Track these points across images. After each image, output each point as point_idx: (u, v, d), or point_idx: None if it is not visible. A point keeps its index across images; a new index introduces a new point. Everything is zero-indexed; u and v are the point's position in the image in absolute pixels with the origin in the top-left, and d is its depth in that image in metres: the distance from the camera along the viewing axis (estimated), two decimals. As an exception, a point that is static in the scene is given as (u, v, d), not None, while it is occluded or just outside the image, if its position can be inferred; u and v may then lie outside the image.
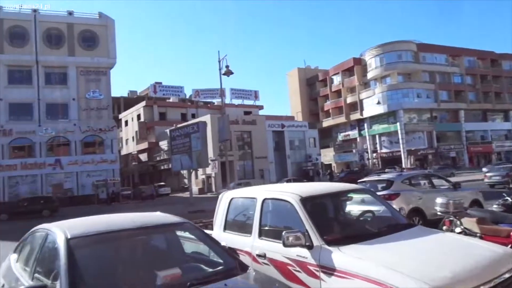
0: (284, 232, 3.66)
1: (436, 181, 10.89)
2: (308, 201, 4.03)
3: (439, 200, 5.88)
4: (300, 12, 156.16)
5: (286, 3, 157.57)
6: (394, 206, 7.91)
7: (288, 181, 36.28)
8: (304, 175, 50.03)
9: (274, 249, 3.99)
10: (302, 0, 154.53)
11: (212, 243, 3.68)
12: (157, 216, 4.01)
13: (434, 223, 6.23)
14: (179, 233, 3.94)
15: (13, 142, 37.52)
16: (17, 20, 38.85)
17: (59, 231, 3.24)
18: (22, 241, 4.30)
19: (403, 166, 49.33)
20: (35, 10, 39.55)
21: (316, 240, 3.63)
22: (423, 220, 8.86)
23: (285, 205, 4.13)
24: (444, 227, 5.68)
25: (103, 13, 42.39)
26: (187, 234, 3.92)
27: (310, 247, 3.62)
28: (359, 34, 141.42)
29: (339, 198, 4.70)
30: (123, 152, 61.32)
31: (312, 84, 73.08)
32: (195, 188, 41.93)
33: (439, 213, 5.90)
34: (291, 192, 4.20)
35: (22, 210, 26.91)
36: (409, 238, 3.73)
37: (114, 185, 39.54)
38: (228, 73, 23.43)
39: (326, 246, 3.55)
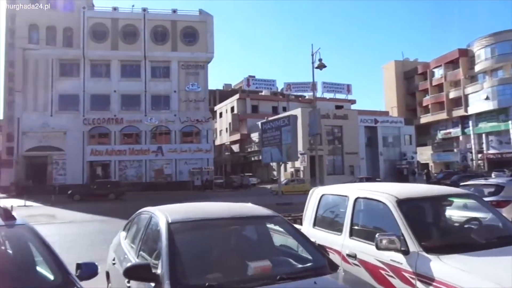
0: (378, 234, 3.50)
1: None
2: (404, 204, 3.79)
3: None
4: (398, 2, 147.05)
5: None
6: (504, 215, 7.13)
7: (361, 180, 34.67)
8: (397, 174, 47.41)
9: (366, 250, 3.85)
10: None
11: (302, 238, 3.67)
12: (249, 208, 4.13)
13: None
14: (269, 225, 4.02)
15: (123, 130, 41.84)
16: (129, 19, 43.04)
17: (162, 215, 3.52)
18: (130, 221, 4.77)
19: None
20: (144, 10, 43.38)
21: (412, 246, 3.41)
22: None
23: (379, 205, 3.95)
24: None
25: (203, 10, 44.81)
26: (277, 227, 3.98)
27: (405, 252, 3.41)
28: (464, 24, 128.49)
29: (440, 202, 4.33)
30: (217, 142, 64.38)
31: (410, 78, 68.46)
32: (283, 181, 42.42)
33: None
34: (387, 192, 3.99)
35: (92, 192, 30.17)
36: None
37: (208, 173, 41.87)
38: (321, 66, 23.11)
39: (424, 254, 3.31)
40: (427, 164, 57.38)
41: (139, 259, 3.62)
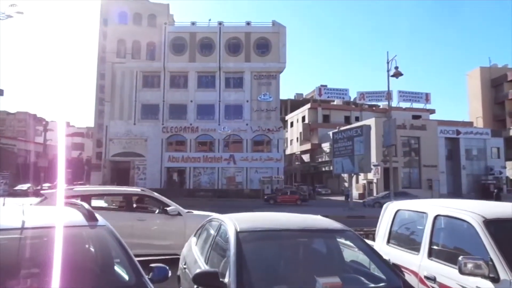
0: (461, 257, 3.18)
1: None
2: (493, 224, 3.41)
3: None
4: (483, 3, 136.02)
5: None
6: None
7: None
8: (482, 190, 43.43)
9: (446, 273, 3.52)
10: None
11: (375, 256, 3.47)
12: (319, 220, 4.01)
13: None
14: (339, 239, 3.87)
15: (198, 138, 43.73)
16: (206, 33, 45.14)
17: (230, 223, 3.55)
18: (200, 228, 4.90)
19: None
20: (220, 23, 45.22)
21: (504, 273, 3.04)
22: None
23: (463, 225, 3.61)
24: None
25: (276, 21, 45.49)
26: (347, 242, 3.82)
27: (495, 280, 3.06)
28: None
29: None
30: (288, 152, 64.39)
31: (499, 85, 62.66)
32: (355, 193, 40.98)
33: None
34: (472, 211, 3.63)
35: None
36: None
37: (278, 182, 42.00)
38: (397, 74, 22.02)
39: (518, 283, 2.94)
40: (519, 180, 51.75)
41: (208, 266, 3.68)
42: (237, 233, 3.31)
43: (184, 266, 4.57)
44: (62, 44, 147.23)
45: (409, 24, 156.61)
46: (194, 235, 5.05)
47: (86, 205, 3.32)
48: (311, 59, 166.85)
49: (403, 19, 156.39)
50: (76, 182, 46.87)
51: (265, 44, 44.73)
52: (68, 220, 3.11)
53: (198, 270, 3.27)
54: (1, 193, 24.85)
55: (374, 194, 40.83)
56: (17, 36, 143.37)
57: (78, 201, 3.64)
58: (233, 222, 3.55)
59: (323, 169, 54.31)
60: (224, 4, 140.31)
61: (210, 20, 46.28)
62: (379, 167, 35.70)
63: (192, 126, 43.44)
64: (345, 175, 38.53)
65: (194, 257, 4.33)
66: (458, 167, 47.70)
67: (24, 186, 39.23)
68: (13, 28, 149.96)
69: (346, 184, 41.86)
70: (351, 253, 3.84)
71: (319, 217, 4.19)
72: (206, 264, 3.77)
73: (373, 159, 34.85)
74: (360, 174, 36.21)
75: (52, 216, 3.36)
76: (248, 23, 45.47)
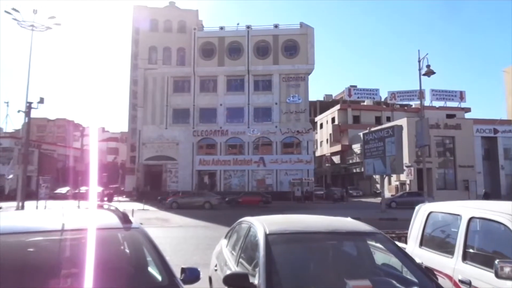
0: (498, 260, 3.10)
1: None
2: (531, 227, 3.31)
3: None
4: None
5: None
6: None
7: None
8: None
9: (482, 277, 3.44)
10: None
11: (407, 259, 3.43)
12: (349, 223, 4.00)
13: None
14: (370, 242, 3.84)
15: (228, 141, 44.13)
16: (234, 37, 45.57)
17: (260, 226, 3.60)
18: (231, 229, 4.98)
19: None
20: (248, 27, 45.53)
21: (543, 277, 2.94)
22: None
23: (499, 227, 3.51)
24: None
25: (303, 23, 45.31)
26: (378, 245, 3.78)
27: (533, 284, 2.96)
28: None
29: None
30: (317, 153, 63.86)
31: (540, 81, 59.65)
32: (387, 194, 40.06)
33: None
34: (507, 213, 3.52)
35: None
36: None
37: (308, 184, 41.71)
38: (429, 73, 21.50)
39: (559, 287, 2.84)
40: None
41: (239, 268, 3.74)
42: (266, 236, 3.36)
43: (215, 268, 4.66)
44: (97, 53, 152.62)
45: (441, 21, 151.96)
46: (225, 237, 5.14)
47: (121, 208, 3.47)
48: (340, 60, 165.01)
49: (434, 16, 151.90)
50: (112, 185, 48.38)
51: (293, 46, 44.63)
52: (104, 222, 3.27)
53: (228, 272, 3.34)
54: (43, 196, 26.13)
55: (408, 196, 39.81)
56: (55, 45, 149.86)
57: (113, 204, 3.80)
58: (262, 225, 3.60)
59: (354, 170, 53.49)
60: (252, 8, 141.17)
61: (238, 24, 46.78)
62: (411, 168, 34.81)
63: (222, 129, 43.90)
64: (377, 177, 37.81)
65: (224, 258, 4.41)
66: (496, 167, 45.73)
67: (63, 190, 40.99)
68: (52, 38, 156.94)
69: (378, 186, 41.06)
70: (382, 256, 3.80)
71: (348, 219, 4.18)
72: (237, 266, 3.84)
73: (406, 160, 34.01)
74: (392, 175, 35.44)
75: (89, 218, 3.51)
76: (276, 26, 45.55)
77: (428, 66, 21.86)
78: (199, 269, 3.20)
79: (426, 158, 26.06)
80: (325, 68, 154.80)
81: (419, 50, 22.85)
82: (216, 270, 4.60)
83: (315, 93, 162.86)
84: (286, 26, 45.72)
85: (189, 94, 45.14)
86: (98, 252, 2.77)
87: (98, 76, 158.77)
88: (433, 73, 21.83)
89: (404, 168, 32.24)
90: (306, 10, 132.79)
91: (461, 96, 58.54)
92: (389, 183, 43.03)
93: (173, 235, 14.37)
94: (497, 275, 3.07)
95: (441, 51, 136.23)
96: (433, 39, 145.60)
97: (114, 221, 3.29)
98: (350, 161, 55.37)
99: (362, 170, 35.81)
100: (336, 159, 60.10)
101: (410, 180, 38.22)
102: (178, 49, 45.85)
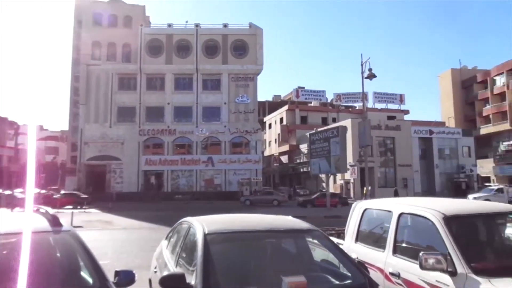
0: (422, 252, 3.30)
1: None
2: (453, 221, 3.56)
3: None
4: (454, 8, 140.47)
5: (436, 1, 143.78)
6: None
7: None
8: (455, 188, 44.81)
9: (410, 269, 3.65)
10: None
11: (341, 254, 3.55)
12: (288, 221, 4.07)
13: None
14: (309, 239, 3.93)
15: (176, 141, 43.35)
16: (183, 35, 44.85)
17: (199, 226, 3.57)
18: (172, 230, 4.90)
19: None
20: (197, 25, 45.02)
21: (460, 267, 3.18)
22: None
23: (425, 222, 3.74)
24: None
25: (253, 23, 45.66)
26: (316, 242, 3.89)
27: (452, 273, 3.19)
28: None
29: (494, 220, 4.02)
30: (266, 153, 64.59)
31: (469, 87, 64.70)
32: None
33: None
34: (433, 208, 3.77)
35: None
36: None
37: (256, 184, 42.10)
38: (371, 76, 22.51)
39: (473, 276, 3.08)
40: (488, 178, 53.58)
41: (178, 269, 3.69)
42: (205, 235, 3.34)
43: (155, 270, 4.56)
44: (34, 45, 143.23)
45: (384, 25, 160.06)
46: (166, 238, 5.04)
47: (50, 211, 3.29)
48: (288, 61, 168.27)
49: (378, 21, 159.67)
50: (50, 187, 45.66)
51: (242, 46, 44.79)
52: (34, 226, 3.09)
53: (164, 273, 3.28)
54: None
55: (351, 194, 41.49)
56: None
57: (43, 207, 3.60)
58: (201, 225, 3.57)
59: (301, 170, 54.75)
60: (200, 6, 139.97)
61: (187, 22, 46.18)
62: (355, 167, 36.24)
63: (169, 128, 43.04)
64: (323, 176, 38.98)
65: (164, 260, 4.33)
66: (432, 166, 49.01)
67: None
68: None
69: (324, 185, 42.37)
70: (321, 252, 3.90)
71: (288, 217, 4.25)
72: (175, 267, 3.78)
73: (350, 159, 35.41)
74: (337, 174, 36.69)
75: (18, 222, 3.36)
76: (225, 25, 45.47)
77: (370, 69, 22.88)
78: (134, 272, 3.11)
79: (369, 158, 27.26)
80: (274, 69, 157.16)
81: (362, 54, 23.86)
82: (155, 272, 4.50)
83: (264, 94, 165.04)
84: (236, 26, 45.78)
85: (135, 92, 43.77)
86: (28, 256, 2.62)
87: (35, 71, 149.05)
88: (375, 76, 22.88)
89: (348, 167, 33.53)
90: (255, 10, 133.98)
91: (401, 99, 61.98)
92: (334, 182, 44.54)
93: (116, 237, 13.87)
94: (422, 267, 3.26)
95: (385, 55, 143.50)
96: (378, 43, 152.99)
97: (44, 224, 3.14)
98: (298, 161, 56.61)
99: (309, 169, 36.79)
100: (284, 158, 61.19)
101: (354, 179, 39.84)
102: (123, 45, 44.25)
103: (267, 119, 68.38)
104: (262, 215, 4.46)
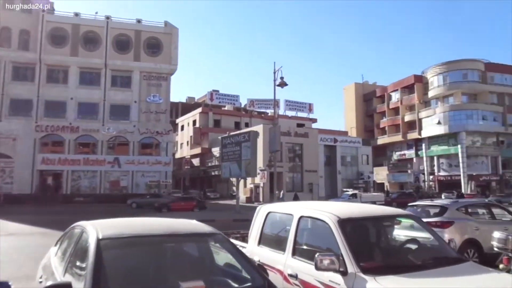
0: (318, 254, 3.45)
1: (497, 212, 9.99)
2: (346, 223, 3.79)
3: (496, 234, 5.33)
4: (361, 27, 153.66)
5: (346, 18, 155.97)
6: (446, 236, 7.38)
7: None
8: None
9: (306, 270, 3.79)
10: (363, 16, 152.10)
11: (241, 257, 3.56)
12: (190, 224, 3.97)
13: (494, 257, 5.66)
14: (211, 243, 3.88)
15: (79, 139, 40.25)
16: (91, 26, 41.96)
17: (93, 230, 3.29)
18: (63, 235, 4.47)
19: (463, 191, 46.15)
20: (108, 17, 42.49)
21: (351, 267, 3.39)
22: (479, 254, 8.13)
23: (322, 225, 3.93)
24: (501, 265, 5.13)
25: (168, 22, 44.53)
26: (218, 245, 3.85)
27: (344, 273, 3.38)
28: (421, 52, 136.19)
29: (381, 222, 4.38)
30: (177, 155, 63.37)
31: (369, 100, 71.20)
32: (243, 197, 42.15)
33: (496, 249, 5.35)
34: (329, 212, 3.98)
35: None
36: (456, 275, 3.35)
37: (166, 186, 40.97)
38: (283, 84, 23.46)
39: (361, 274, 3.30)
40: (382, 184, 59.25)
41: (66, 277, 3.36)
42: (99, 241, 3.09)
43: (40, 280, 4.11)
44: None
45: (297, 38, 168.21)
46: (55, 245, 4.59)
47: None
48: (204, 64, 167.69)
49: (292, 32, 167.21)
50: None
51: (156, 44, 43.39)
52: None
53: (48, 283, 2.96)
54: None
55: (261, 198, 42.59)
56: None
57: None
58: (95, 229, 3.30)
59: (213, 173, 54.72)
60: (113, 2, 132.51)
61: (96, 13, 43.35)
62: (265, 172, 37.31)
63: (71, 125, 39.83)
64: (234, 179, 39.42)
65: (51, 268, 3.92)
66: (335, 172, 52.68)
67: None
68: None
69: (235, 188, 42.84)
70: (225, 256, 3.87)
71: (192, 221, 4.15)
72: (64, 275, 3.43)
73: (260, 164, 36.35)
74: (248, 178, 37.41)
75: None
76: (138, 21, 43.60)
77: (282, 78, 23.84)
78: (10, 283, 2.74)
79: (278, 163, 28.32)
80: (189, 70, 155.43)
81: (274, 62, 24.75)
82: (41, 282, 4.05)
83: (178, 95, 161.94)
84: (150, 23, 44.20)
85: (33, 83, 39.73)
86: None
87: None
88: (286, 84, 23.90)
89: (258, 171, 34.42)
90: (171, 10, 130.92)
91: (310, 108, 65.55)
92: (245, 185, 45.30)
93: (2, 245, 12.32)
94: (317, 267, 3.40)
95: (299, 63, 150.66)
96: (293, 52, 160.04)
97: None
98: (210, 164, 56.49)
99: (220, 173, 36.95)
100: (196, 161, 60.60)
101: (263, 183, 40.95)
102: (20, 31, 39.93)
103: (180, 120, 67.17)
104: (163, 218, 4.29)
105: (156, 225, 3.89)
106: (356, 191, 37.31)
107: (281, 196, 30.88)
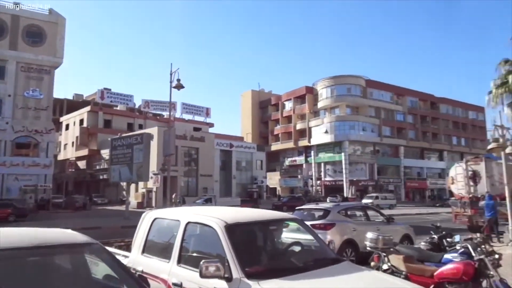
0: (203, 261, 3.33)
1: (371, 213, 11.12)
2: (233, 228, 3.76)
3: (369, 235, 5.86)
4: (258, 36, 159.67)
5: (245, 24, 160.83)
6: (328, 237, 7.94)
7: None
8: (248, 197, 50.05)
9: (192, 278, 3.64)
10: (261, 25, 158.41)
11: (120, 269, 3.27)
12: (62, 233, 3.52)
13: (368, 255, 6.21)
14: (87, 255, 3.49)
15: None
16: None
17: None
18: None
19: (346, 195, 50.81)
20: (-24, -3, 36.86)
21: (236, 272, 3.35)
22: (356, 252, 8.91)
23: (210, 231, 3.82)
24: (373, 263, 5.65)
25: (54, 10, 40.33)
26: (96, 256, 3.49)
27: (229, 279, 3.33)
28: (313, 64, 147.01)
29: (268, 227, 4.46)
30: (60, 157, 57.85)
31: (265, 108, 74.21)
32: (134, 202, 40.23)
33: (368, 248, 5.88)
34: (216, 217, 3.91)
35: None
36: (333, 275, 3.54)
37: (45, 191, 36.88)
38: (179, 87, 22.94)
39: (246, 280, 3.28)
40: (275, 189, 62.07)
41: None
42: None
43: None
44: None
45: (195, 43, 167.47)
46: None
47: None
48: (96, 60, 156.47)
49: (189, 36, 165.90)
50: None
51: (38, 33, 38.87)
52: None
53: None
54: None
55: (153, 203, 41.07)
56: None
57: None
58: None
59: (101, 177, 51.14)
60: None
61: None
62: (158, 176, 36.10)
63: None
64: (124, 184, 37.32)
65: None
66: (230, 176, 53.55)
67: None
68: None
69: (125, 193, 40.62)
70: (105, 267, 3.52)
71: (64, 230, 3.70)
72: None
73: (154, 167, 35.10)
74: (140, 182, 35.83)
75: None
76: (16, 4, 38.54)
77: (178, 80, 23.28)
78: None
79: (173, 167, 27.58)
80: (78, 66, 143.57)
81: (171, 64, 24.10)
82: None
83: (63, 91, 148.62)
84: (32, 9, 39.47)
85: None
86: None
87: None
88: (183, 87, 23.38)
89: (151, 175, 33.17)
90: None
91: (207, 112, 65.67)
92: (136, 190, 43.28)
93: None
94: (201, 275, 3.28)
95: (197, 70, 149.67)
96: (191, 57, 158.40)
97: None
98: (98, 167, 52.73)
99: (109, 176, 34.66)
100: (82, 164, 56.00)
101: (156, 188, 39.55)
102: None
103: (65, 119, 61.43)
104: (29, 228, 3.75)
105: (19, 236, 3.36)
106: (210, 196, 38.11)
107: (178, 200, 30.10)
